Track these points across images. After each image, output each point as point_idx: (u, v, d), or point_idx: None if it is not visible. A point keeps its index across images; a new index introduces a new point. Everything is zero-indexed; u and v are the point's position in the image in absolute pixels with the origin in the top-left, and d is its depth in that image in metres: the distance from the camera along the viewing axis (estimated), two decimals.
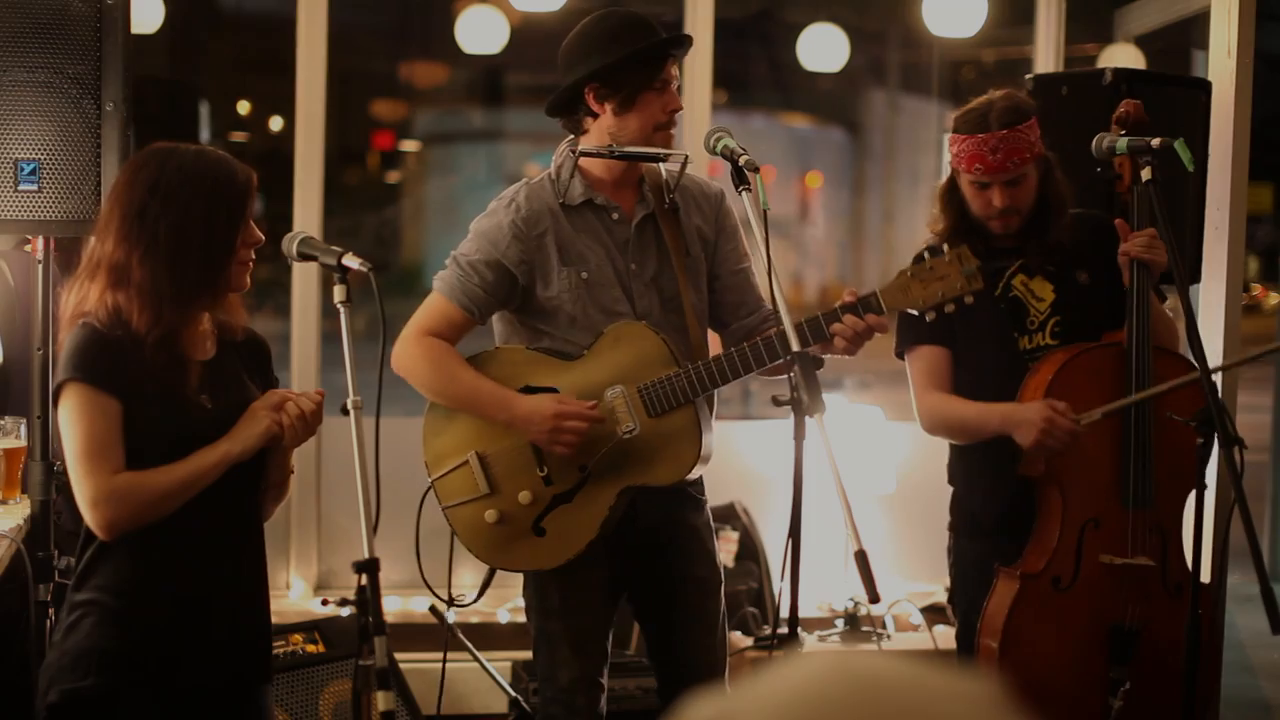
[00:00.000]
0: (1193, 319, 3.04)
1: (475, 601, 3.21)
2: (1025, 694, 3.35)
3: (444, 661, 3.49)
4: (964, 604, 3.46)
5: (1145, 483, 3.25)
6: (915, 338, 3.38)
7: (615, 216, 3.13)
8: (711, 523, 3.29)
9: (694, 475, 3.08)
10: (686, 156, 3.10)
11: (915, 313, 2.91)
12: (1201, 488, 3.13)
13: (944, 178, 3.48)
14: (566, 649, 3.15)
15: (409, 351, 3.10)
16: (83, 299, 2.53)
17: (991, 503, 3.40)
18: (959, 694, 0.86)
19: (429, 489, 3.14)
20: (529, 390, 3.07)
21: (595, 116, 3.09)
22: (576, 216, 3.12)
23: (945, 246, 2.93)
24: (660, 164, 3.16)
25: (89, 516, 2.50)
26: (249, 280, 2.64)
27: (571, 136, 3.17)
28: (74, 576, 2.58)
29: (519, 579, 3.30)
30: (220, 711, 2.63)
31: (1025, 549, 3.31)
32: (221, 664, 2.61)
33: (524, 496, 3.07)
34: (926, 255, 2.97)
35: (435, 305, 3.12)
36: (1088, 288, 3.36)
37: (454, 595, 3.14)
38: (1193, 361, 3.12)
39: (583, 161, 3.13)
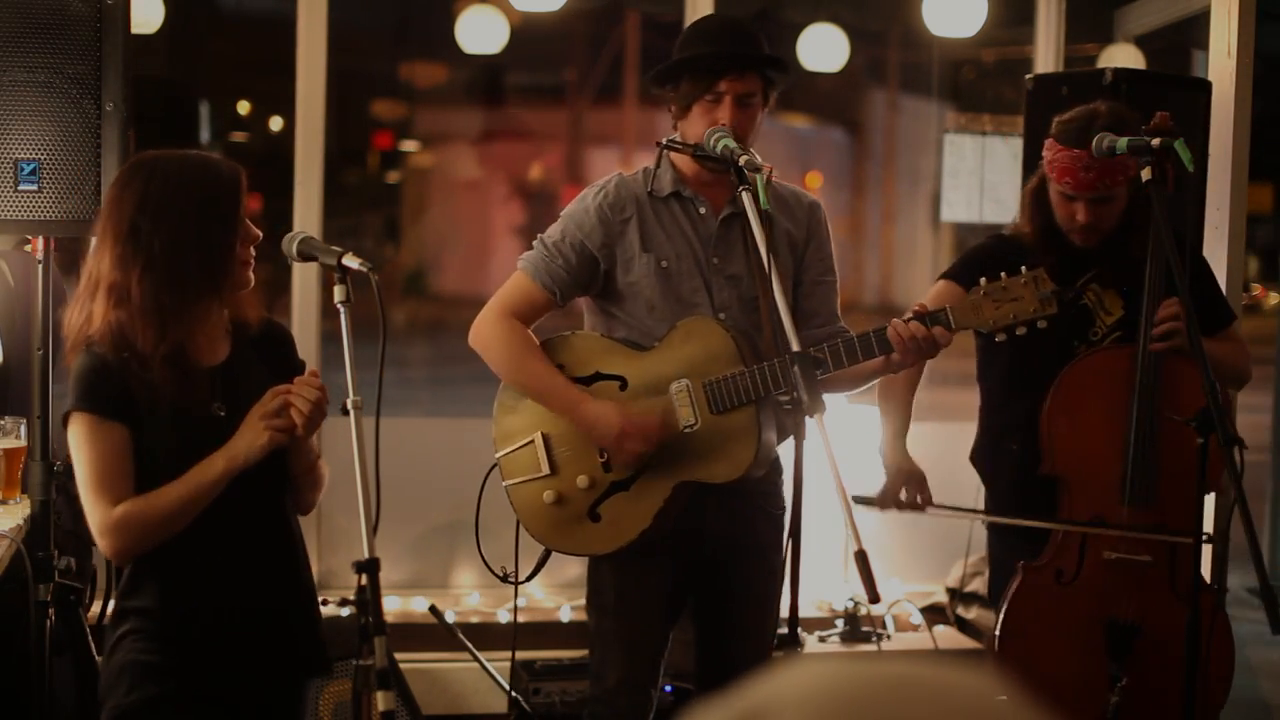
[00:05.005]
0: (1193, 320, 3.03)
1: (528, 580, 3.21)
2: (1027, 684, 3.39)
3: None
4: (996, 599, 3.51)
5: (1146, 481, 3.25)
6: (945, 274, 3.44)
7: (702, 210, 3.14)
8: (784, 537, 3.27)
9: (754, 473, 3.04)
10: (771, 169, 3.03)
11: (985, 333, 2.86)
12: (1210, 490, 3.12)
13: (1035, 177, 3.42)
14: (617, 649, 3.15)
15: (489, 331, 3.13)
16: (86, 320, 2.52)
17: (1016, 500, 3.45)
18: (986, 693, 0.86)
19: (494, 465, 3.17)
20: (598, 376, 3.09)
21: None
22: (663, 207, 3.14)
23: (1023, 268, 2.79)
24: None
25: (99, 545, 2.54)
26: (252, 276, 2.64)
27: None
28: (116, 593, 2.61)
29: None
30: (265, 704, 2.64)
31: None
32: (264, 663, 2.61)
33: (582, 480, 3.10)
34: (1003, 275, 2.80)
35: (518, 283, 3.14)
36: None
37: (508, 571, 3.16)
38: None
39: (673, 156, 3.14)
